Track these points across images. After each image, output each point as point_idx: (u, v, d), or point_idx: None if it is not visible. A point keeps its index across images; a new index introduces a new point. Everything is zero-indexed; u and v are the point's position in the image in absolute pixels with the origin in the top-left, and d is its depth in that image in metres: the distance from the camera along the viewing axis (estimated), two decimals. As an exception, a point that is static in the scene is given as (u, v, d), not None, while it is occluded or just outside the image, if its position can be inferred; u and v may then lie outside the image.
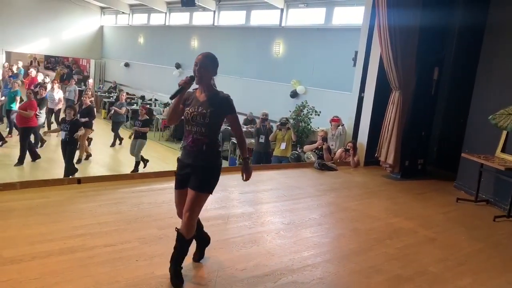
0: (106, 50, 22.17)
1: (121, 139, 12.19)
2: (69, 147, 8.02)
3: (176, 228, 3.06)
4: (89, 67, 23.12)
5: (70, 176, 7.42)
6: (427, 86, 7.17)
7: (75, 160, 8.52)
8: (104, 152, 11.52)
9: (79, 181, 5.04)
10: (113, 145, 12.05)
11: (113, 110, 12.06)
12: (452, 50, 7.31)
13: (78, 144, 8.30)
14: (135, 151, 9.64)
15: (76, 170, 8.14)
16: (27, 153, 9.13)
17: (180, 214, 3.13)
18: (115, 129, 12.08)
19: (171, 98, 2.91)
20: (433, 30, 6.76)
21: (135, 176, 5.61)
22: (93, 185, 5.00)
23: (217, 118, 3.02)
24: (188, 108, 2.99)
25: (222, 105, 3.01)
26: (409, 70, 6.53)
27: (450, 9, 7.07)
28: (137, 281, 2.98)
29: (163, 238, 3.72)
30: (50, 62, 25.82)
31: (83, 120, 9.43)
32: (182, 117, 3.07)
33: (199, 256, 3.38)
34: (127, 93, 16.53)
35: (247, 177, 3.14)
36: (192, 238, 3.08)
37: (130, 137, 9.89)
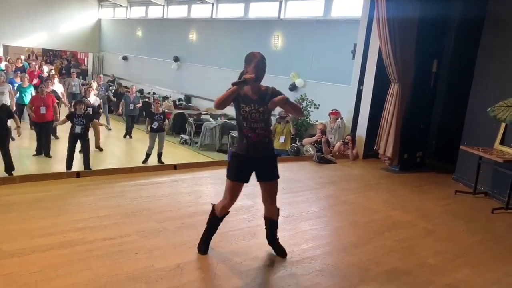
0: (104, 43, 22.08)
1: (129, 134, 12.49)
2: (83, 140, 8.29)
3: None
4: (87, 60, 23.04)
5: (88, 168, 7.98)
6: (426, 78, 7.16)
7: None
8: (114, 145, 11.63)
9: (78, 174, 5.05)
10: (130, 136, 12.32)
11: (131, 106, 12.26)
12: (451, 43, 7.29)
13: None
14: (162, 143, 9.71)
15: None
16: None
17: (231, 204, 3.34)
18: (129, 122, 12.38)
19: (233, 84, 3.09)
20: (432, 22, 6.74)
21: (134, 169, 5.61)
22: (92, 179, 5.01)
23: (270, 112, 3.28)
24: (245, 106, 3.20)
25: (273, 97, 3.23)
26: (408, 62, 6.52)
27: (449, 1, 7.05)
28: (136, 274, 3.00)
29: (162, 231, 3.73)
30: (48, 56, 25.72)
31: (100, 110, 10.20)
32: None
33: (206, 247, 3.43)
34: (125, 87, 16.49)
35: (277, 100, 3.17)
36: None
37: (147, 133, 9.91)
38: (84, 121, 8.18)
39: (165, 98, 15.95)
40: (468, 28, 6.92)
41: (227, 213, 3.39)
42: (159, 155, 9.68)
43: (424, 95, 7.16)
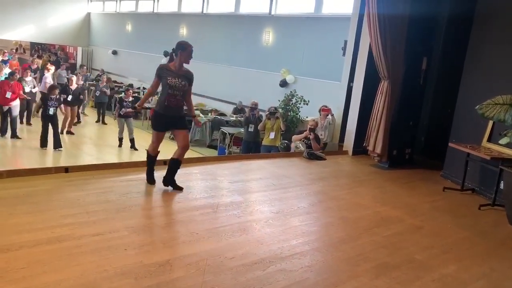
0: (93, 37, 21.83)
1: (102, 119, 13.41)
2: (54, 121, 9.47)
3: (172, 158, 4.65)
4: (76, 54, 22.78)
5: (57, 148, 9.37)
6: (416, 76, 7.21)
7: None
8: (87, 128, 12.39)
9: (66, 170, 5.00)
10: (104, 123, 13.28)
11: (98, 93, 13.50)
12: (441, 40, 7.34)
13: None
14: (130, 129, 10.49)
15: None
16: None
17: (157, 148, 4.72)
18: (99, 108, 13.42)
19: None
20: (422, 20, 6.78)
21: (123, 165, 5.57)
22: (81, 174, 4.96)
23: (188, 87, 4.55)
24: (171, 79, 4.40)
25: (190, 79, 4.55)
26: (398, 59, 6.56)
27: (439, -1, 7.09)
28: (125, 270, 2.98)
29: (151, 227, 3.72)
30: (36, 50, 25.36)
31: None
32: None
33: (152, 178, 4.82)
34: (115, 81, 16.39)
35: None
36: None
37: (114, 118, 11.01)
38: (56, 103, 9.40)
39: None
40: (457, 25, 6.97)
41: (158, 152, 4.74)
42: (131, 141, 10.45)
43: (414, 92, 7.21)
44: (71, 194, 4.32)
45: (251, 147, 8.83)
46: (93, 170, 5.17)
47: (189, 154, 10.63)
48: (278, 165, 6.49)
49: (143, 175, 4.90)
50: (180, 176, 5.34)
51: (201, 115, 12.36)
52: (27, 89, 11.19)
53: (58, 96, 9.58)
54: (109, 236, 3.46)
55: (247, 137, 8.92)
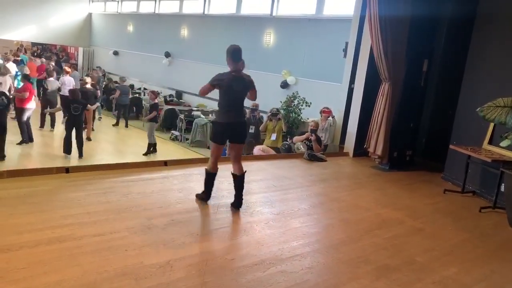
0: (94, 37, 21.86)
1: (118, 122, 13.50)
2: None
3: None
4: (77, 55, 22.80)
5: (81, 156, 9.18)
6: (417, 78, 7.20)
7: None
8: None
9: (67, 170, 5.00)
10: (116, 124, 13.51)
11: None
12: (442, 42, 7.34)
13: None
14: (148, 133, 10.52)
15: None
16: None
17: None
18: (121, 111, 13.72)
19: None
20: (423, 21, 6.77)
21: (124, 165, 5.58)
22: (82, 175, 4.96)
23: None
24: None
25: None
26: (399, 61, 6.56)
27: (440, 0, 7.08)
28: (126, 270, 2.98)
29: (152, 228, 3.72)
30: (37, 50, 25.38)
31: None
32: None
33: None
34: (116, 82, 16.40)
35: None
36: None
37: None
38: (80, 108, 9.09)
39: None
40: (458, 28, 6.97)
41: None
42: (154, 145, 10.29)
43: (414, 94, 7.20)
44: (72, 194, 4.32)
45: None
46: (94, 171, 5.17)
47: (189, 155, 10.74)
48: (279, 166, 6.49)
49: (144, 176, 4.91)
50: (181, 177, 5.35)
51: (201, 115, 12.37)
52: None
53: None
54: (110, 237, 3.46)
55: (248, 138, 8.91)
